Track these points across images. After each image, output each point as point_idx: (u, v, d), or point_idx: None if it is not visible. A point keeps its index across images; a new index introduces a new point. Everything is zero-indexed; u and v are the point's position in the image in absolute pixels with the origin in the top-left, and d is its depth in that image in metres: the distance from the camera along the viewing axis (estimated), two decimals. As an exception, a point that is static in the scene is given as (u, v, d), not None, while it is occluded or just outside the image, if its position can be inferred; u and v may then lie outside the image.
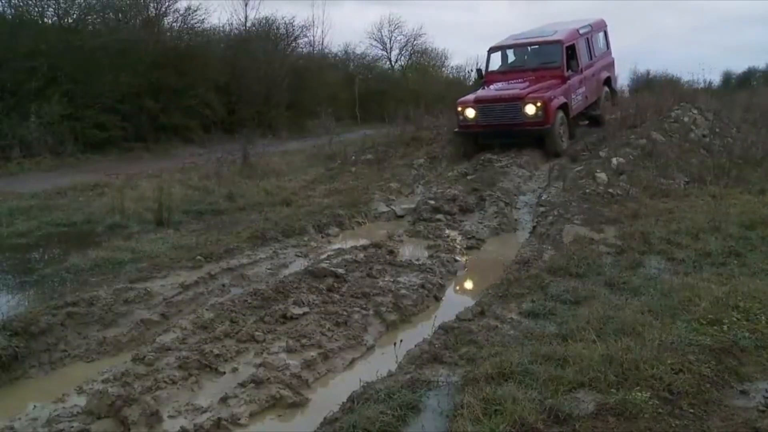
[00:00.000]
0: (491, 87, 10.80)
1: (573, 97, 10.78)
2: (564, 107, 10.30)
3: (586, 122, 12.21)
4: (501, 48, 11.75)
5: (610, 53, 13.52)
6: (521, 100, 9.81)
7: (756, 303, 3.81)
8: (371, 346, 4.16)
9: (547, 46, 11.03)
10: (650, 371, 2.97)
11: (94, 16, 16.63)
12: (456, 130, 10.90)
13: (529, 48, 11.48)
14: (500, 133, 10.28)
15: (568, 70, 10.57)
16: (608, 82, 13.05)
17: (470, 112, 10.31)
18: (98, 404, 3.22)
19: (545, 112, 9.70)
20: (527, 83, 10.35)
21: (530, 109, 9.73)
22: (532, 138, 10.09)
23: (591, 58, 11.82)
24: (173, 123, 17.07)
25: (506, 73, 11.28)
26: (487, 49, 11.74)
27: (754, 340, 3.38)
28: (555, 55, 10.67)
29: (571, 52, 10.78)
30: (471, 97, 10.73)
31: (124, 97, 15.39)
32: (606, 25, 13.18)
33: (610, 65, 13.48)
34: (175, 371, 3.62)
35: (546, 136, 9.99)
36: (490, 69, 11.54)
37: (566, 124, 10.57)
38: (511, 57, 11.71)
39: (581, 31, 11.53)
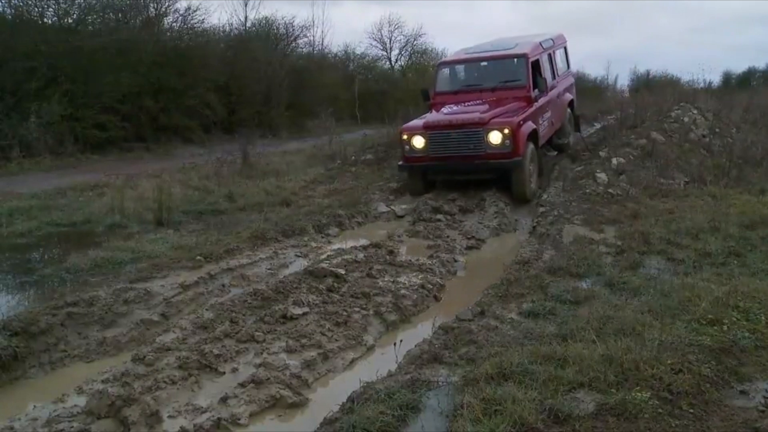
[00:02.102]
0: (443, 110, 8.71)
1: (541, 122, 8.96)
2: (533, 135, 8.44)
3: (555, 153, 10.48)
4: (453, 63, 9.87)
5: (571, 72, 12.03)
6: (484, 125, 7.86)
7: (756, 303, 3.81)
8: (371, 346, 4.16)
9: (509, 60, 9.09)
10: (650, 371, 2.97)
11: (94, 17, 16.61)
12: (400, 163, 8.76)
13: (486, 63, 9.47)
14: (456, 168, 8.35)
15: (534, 90, 8.76)
16: (571, 105, 11.28)
17: (419, 141, 8.26)
18: (98, 404, 3.22)
19: (514, 141, 7.80)
20: (487, 105, 8.44)
21: (495, 138, 7.82)
22: (496, 174, 8.20)
23: (554, 77, 10.07)
24: (173, 123, 17.07)
25: (458, 93, 9.19)
26: (437, 64, 9.97)
27: (754, 340, 3.38)
28: (519, 72, 8.82)
29: (536, 68, 9.06)
30: (419, 122, 8.58)
31: (124, 97, 15.39)
32: (566, 41, 11.46)
33: (572, 86, 11.73)
34: (175, 371, 3.62)
35: (514, 171, 8.00)
36: (438, 89, 9.41)
37: (536, 158, 8.67)
38: (463, 74, 9.70)
39: (544, 45, 9.81)
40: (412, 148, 8.37)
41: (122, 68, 15.32)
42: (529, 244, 6.36)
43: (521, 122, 8.05)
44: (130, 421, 3.10)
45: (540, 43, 9.64)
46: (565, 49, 11.36)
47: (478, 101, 8.73)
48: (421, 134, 8.29)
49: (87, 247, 6.29)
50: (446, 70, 9.77)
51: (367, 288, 4.97)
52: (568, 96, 11.16)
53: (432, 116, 8.65)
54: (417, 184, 8.70)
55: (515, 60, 8.99)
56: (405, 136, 8.45)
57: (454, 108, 8.65)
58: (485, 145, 7.90)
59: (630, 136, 10.55)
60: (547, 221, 7.02)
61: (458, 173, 8.47)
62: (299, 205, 8.44)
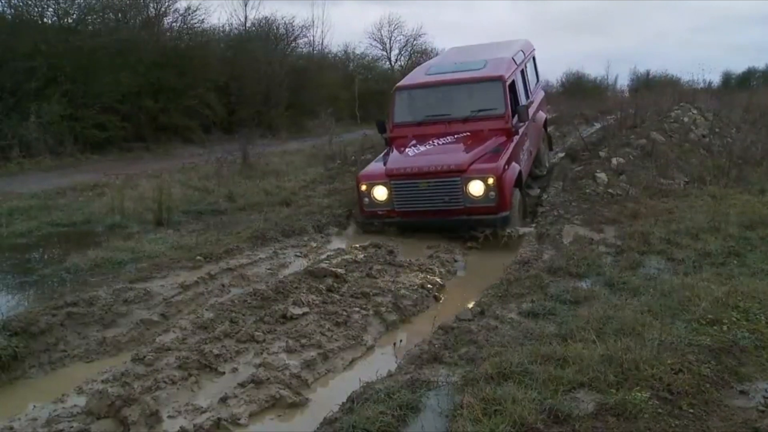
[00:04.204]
0: (407, 151, 7.05)
1: (522, 157, 7.52)
2: (519, 179, 7.03)
3: (537, 191, 8.73)
4: (412, 87, 8.04)
5: (541, 85, 10.71)
6: (462, 173, 6.44)
7: (756, 303, 3.81)
8: (371, 346, 4.16)
9: (482, 84, 7.54)
10: (650, 371, 2.97)
11: (94, 16, 16.63)
12: (359, 219, 7.24)
13: (453, 88, 7.72)
14: (430, 225, 6.80)
15: (513, 119, 7.25)
16: (545, 124, 10.03)
17: (380, 193, 6.79)
18: (98, 404, 3.21)
19: (500, 191, 6.40)
20: (462, 144, 6.94)
21: (476, 188, 6.44)
22: (481, 230, 6.64)
23: (528, 97, 8.58)
24: (173, 123, 17.09)
25: (422, 124, 7.54)
26: (393, 89, 8.09)
27: (754, 340, 3.39)
28: (495, 99, 7.30)
29: (513, 91, 7.62)
30: (379, 168, 7.03)
31: (124, 97, 15.40)
32: (534, 49, 9.91)
33: (543, 101, 10.28)
34: (174, 371, 3.62)
35: (501, 228, 6.58)
36: (397, 119, 7.76)
37: (523, 203, 7.27)
38: (426, 101, 7.87)
39: (517, 60, 8.29)
40: (373, 201, 6.85)
41: (122, 68, 15.33)
42: (529, 244, 6.36)
43: (506, 166, 6.65)
44: (129, 421, 3.10)
45: (513, 59, 8.15)
46: (534, 59, 9.88)
47: (448, 138, 7.17)
48: (383, 184, 6.77)
49: (87, 247, 6.30)
50: (405, 96, 7.95)
51: (366, 288, 4.97)
52: (542, 115, 9.73)
53: (395, 160, 7.00)
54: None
55: (489, 84, 7.46)
56: (363, 187, 6.88)
57: (422, 148, 7.03)
58: (464, 198, 6.48)
59: (630, 136, 10.56)
60: (547, 221, 7.02)
61: (433, 230, 6.86)
62: (299, 205, 8.44)
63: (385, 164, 7.02)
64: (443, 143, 7.10)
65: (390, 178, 6.75)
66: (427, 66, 8.89)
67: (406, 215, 6.81)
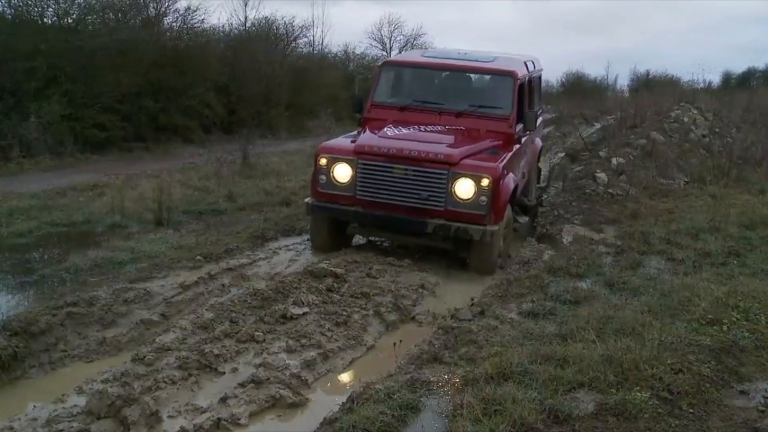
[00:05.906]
0: (385, 130, 5.89)
1: (516, 173, 6.24)
2: (513, 195, 5.89)
3: (525, 218, 6.99)
4: (404, 65, 7.02)
5: (543, 108, 9.32)
6: (450, 166, 5.32)
7: (756, 303, 3.82)
8: (371, 346, 4.16)
9: (490, 78, 6.54)
10: (650, 371, 2.97)
11: (94, 17, 16.61)
12: (309, 200, 5.90)
13: (452, 75, 6.63)
14: (394, 225, 5.65)
15: (518, 125, 6.14)
16: (539, 155, 8.61)
17: (342, 172, 5.60)
18: (98, 404, 3.21)
19: (494, 198, 5.28)
20: (453, 137, 5.83)
21: (465, 188, 5.30)
22: (455, 244, 5.61)
23: None
24: (173, 123, 17.05)
25: (406, 110, 6.30)
26: (381, 63, 7.05)
27: (754, 340, 3.39)
28: (501, 96, 6.17)
29: (522, 95, 6.36)
30: (346, 143, 5.92)
31: (124, 97, 15.38)
32: (542, 69, 8.53)
33: (541, 128, 8.96)
34: (174, 371, 3.61)
35: (483, 245, 5.40)
36: (377, 98, 6.50)
37: (510, 224, 6.05)
38: (416, 84, 6.72)
39: (528, 67, 7.16)
40: (331, 181, 5.62)
41: (122, 68, 15.31)
42: (529, 244, 6.36)
43: (504, 171, 5.48)
44: (129, 421, 3.10)
45: (525, 63, 7.09)
46: (540, 79, 8.53)
47: (440, 127, 6.02)
48: (348, 162, 5.57)
49: (87, 247, 6.29)
50: (392, 74, 6.80)
51: (366, 288, 4.97)
52: (539, 142, 8.37)
53: (368, 137, 5.87)
54: (323, 235, 6.02)
55: (499, 78, 6.39)
56: (323, 160, 5.65)
57: (403, 131, 5.87)
58: (447, 198, 5.32)
59: (630, 136, 10.59)
60: (547, 221, 7.03)
61: (395, 232, 5.78)
62: (299, 205, 8.41)
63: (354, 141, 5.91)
64: (431, 130, 5.95)
65: (358, 155, 5.54)
66: (424, 50, 7.78)
67: (368, 206, 5.55)
